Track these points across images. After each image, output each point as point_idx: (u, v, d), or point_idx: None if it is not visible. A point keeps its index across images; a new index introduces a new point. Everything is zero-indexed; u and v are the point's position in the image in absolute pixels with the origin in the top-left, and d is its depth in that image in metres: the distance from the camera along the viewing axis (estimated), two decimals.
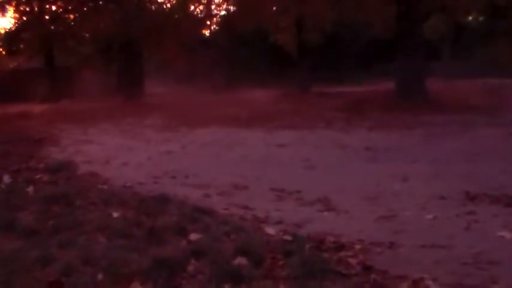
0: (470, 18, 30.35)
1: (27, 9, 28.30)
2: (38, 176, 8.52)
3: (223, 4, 29.60)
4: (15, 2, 28.01)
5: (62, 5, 27.80)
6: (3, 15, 29.19)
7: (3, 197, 7.12)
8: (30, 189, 7.59)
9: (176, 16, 25.71)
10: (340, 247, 4.80)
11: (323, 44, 25.86)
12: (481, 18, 30.78)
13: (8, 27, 29.71)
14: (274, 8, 25.21)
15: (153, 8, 26.29)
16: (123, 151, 11.22)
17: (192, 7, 27.84)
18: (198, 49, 29.09)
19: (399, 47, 18.77)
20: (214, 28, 33.62)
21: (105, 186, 7.68)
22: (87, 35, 29.05)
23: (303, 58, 26.00)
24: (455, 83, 21.25)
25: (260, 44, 29.05)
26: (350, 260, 4.50)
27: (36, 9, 27.93)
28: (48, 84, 28.68)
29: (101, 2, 26.49)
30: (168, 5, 27.27)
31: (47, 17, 27.79)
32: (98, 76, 28.95)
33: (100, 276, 4.23)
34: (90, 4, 26.93)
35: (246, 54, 30.31)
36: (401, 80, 18.32)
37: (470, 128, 12.24)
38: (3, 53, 32.04)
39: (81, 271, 4.31)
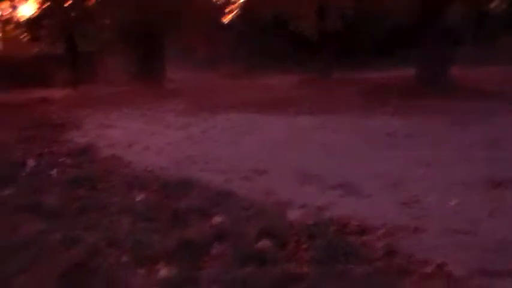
0: (493, 4, 29.97)
1: None
2: (61, 160, 8.60)
3: None
4: None
5: None
6: (25, 1, 29.39)
7: (28, 180, 7.22)
8: (54, 172, 7.68)
9: (197, 1, 25.65)
10: (364, 231, 4.80)
11: (344, 30, 25.68)
12: (504, 5, 30.38)
13: (30, 14, 29.88)
14: None
15: None
16: (144, 135, 11.27)
17: None
18: (219, 35, 29.07)
19: (421, 33, 18.58)
20: (234, 14, 33.50)
21: (128, 170, 7.73)
22: (108, 21, 29.14)
23: (324, 44, 25.84)
24: (477, 70, 21.02)
25: (280, 30, 28.91)
26: (374, 243, 4.50)
27: None
28: (70, 69, 28.84)
29: None
30: None
31: (67, 3, 27.87)
32: (119, 62, 29.04)
33: (125, 258, 4.28)
34: None
35: (266, 40, 30.19)
36: (422, 66, 18.13)
37: (493, 114, 12.09)
38: (26, 39, 32.24)
39: (105, 253, 4.36)
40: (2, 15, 31.59)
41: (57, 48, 30.68)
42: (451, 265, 4.07)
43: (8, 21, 31.69)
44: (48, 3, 28.17)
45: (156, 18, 23.56)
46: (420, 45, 18.69)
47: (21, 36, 32.22)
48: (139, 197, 5.97)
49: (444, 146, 8.73)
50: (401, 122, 11.46)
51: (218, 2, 29.21)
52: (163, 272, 4.01)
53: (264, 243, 4.36)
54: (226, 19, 33.78)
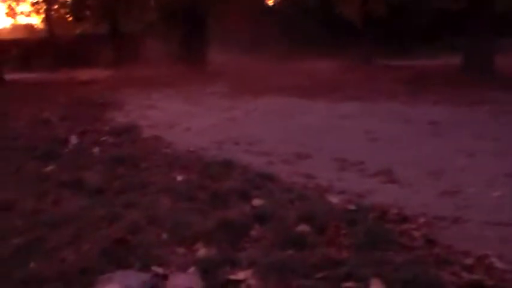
0: None
1: None
2: (103, 138, 8.71)
3: None
4: None
5: None
6: None
7: (71, 157, 7.33)
8: (96, 150, 7.78)
9: None
10: (404, 219, 4.75)
11: (388, 16, 25.36)
12: None
13: None
14: None
15: None
16: (186, 117, 11.34)
17: None
18: (262, 18, 29.00)
19: (468, 21, 18.23)
20: None
21: (169, 150, 7.79)
22: (151, 2, 29.30)
23: (368, 30, 25.57)
24: None
25: (324, 14, 28.70)
26: (413, 232, 4.45)
27: None
28: (113, 50, 29.13)
29: None
30: None
31: None
32: (162, 43, 29.19)
33: (164, 236, 4.32)
34: None
35: (310, 25, 30.02)
36: (469, 55, 17.81)
37: None
38: (70, 19, 32.62)
39: (146, 230, 4.41)
40: None
41: (101, 29, 31.01)
42: (492, 257, 4.00)
43: (53, 1, 32.13)
44: None
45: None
46: (467, 34, 18.36)
47: (66, 17, 32.63)
48: (180, 177, 6.01)
49: (488, 137, 8.57)
50: (444, 110, 11.31)
51: None
52: (202, 251, 4.03)
53: (304, 227, 4.35)
54: (270, 2, 33.72)
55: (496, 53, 17.82)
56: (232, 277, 3.60)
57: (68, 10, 31.41)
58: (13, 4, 36.73)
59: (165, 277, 3.62)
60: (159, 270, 3.71)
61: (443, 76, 16.82)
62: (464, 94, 13.41)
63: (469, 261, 3.96)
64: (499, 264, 3.93)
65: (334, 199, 5.26)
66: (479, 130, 9.09)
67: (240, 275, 3.62)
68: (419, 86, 15.22)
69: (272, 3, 33.67)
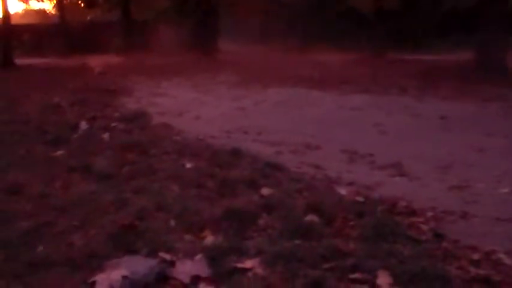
0: None
1: None
2: (113, 124, 8.73)
3: None
4: None
5: None
6: None
7: (81, 142, 7.35)
8: (106, 135, 7.80)
9: None
10: (412, 212, 4.74)
11: (402, 10, 25.27)
12: None
13: None
14: None
15: None
16: (196, 105, 11.35)
17: None
18: (274, 8, 28.94)
19: (480, 17, 18.13)
20: None
21: (179, 138, 7.80)
22: None
23: (380, 23, 25.48)
24: None
25: (337, 6, 28.60)
26: (422, 226, 4.44)
27: None
28: (124, 37, 29.16)
29: None
30: None
31: None
32: (173, 31, 29.20)
33: (172, 223, 4.33)
34: None
35: (322, 16, 29.94)
36: (480, 51, 17.72)
37: None
38: (82, 5, 32.67)
39: (154, 216, 4.42)
40: None
41: (113, 16, 31.05)
42: (500, 253, 3.98)
43: None
44: None
45: None
46: (479, 29, 18.26)
47: (78, 3, 32.67)
48: (189, 164, 6.02)
49: (498, 133, 8.54)
50: (455, 106, 11.27)
51: None
52: (209, 239, 4.04)
53: (312, 217, 4.35)
54: None
55: (508, 50, 17.72)
56: (239, 265, 3.60)
57: None
58: None
59: (172, 263, 3.63)
60: (166, 256, 3.72)
61: (455, 72, 16.75)
62: (475, 90, 13.35)
63: (476, 256, 3.94)
64: (506, 260, 3.91)
65: (342, 190, 5.25)
66: (489, 127, 9.05)
67: (247, 264, 3.63)
68: (430, 80, 15.18)
69: None
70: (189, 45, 26.55)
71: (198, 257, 3.70)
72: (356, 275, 3.47)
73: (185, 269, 3.57)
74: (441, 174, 6.19)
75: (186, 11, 27.45)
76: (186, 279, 3.46)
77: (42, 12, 45.18)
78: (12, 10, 41.22)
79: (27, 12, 47.48)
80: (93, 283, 3.36)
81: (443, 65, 18.84)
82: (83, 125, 8.59)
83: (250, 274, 3.52)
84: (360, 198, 4.94)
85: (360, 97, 12.32)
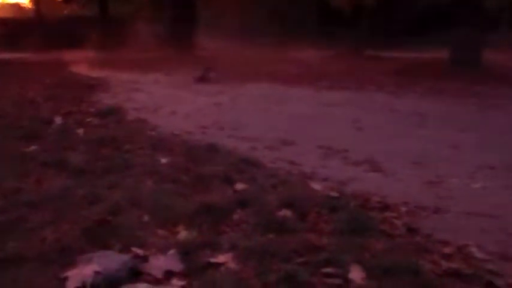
0: None
1: None
2: (88, 119, 8.67)
3: None
4: None
5: None
6: None
7: (55, 137, 7.28)
8: (81, 131, 7.74)
9: None
10: (385, 207, 4.77)
11: (379, 7, 25.37)
12: None
13: None
14: None
15: None
16: (172, 101, 11.31)
17: None
18: (252, 4, 28.93)
19: (457, 15, 18.33)
20: None
21: (154, 133, 7.77)
22: None
23: (358, 20, 25.56)
24: None
25: (313, 3, 28.65)
26: (395, 220, 4.47)
27: None
28: (101, 32, 28.96)
29: None
30: None
31: None
32: (150, 26, 29.08)
33: (146, 218, 4.31)
34: None
35: (299, 13, 29.98)
36: (456, 48, 17.90)
37: None
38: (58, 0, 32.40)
39: (127, 211, 4.39)
40: None
41: (90, 11, 30.82)
42: (472, 247, 4.03)
43: None
44: None
45: None
46: (455, 27, 18.44)
47: None
48: (164, 160, 5.99)
49: (473, 130, 8.64)
50: (431, 103, 11.38)
51: None
52: (183, 234, 4.03)
53: (285, 212, 4.36)
54: None
55: (484, 48, 17.91)
56: (212, 260, 3.60)
57: None
58: None
59: (145, 259, 3.62)
60: (140, 251, 3.70)
61: (432, 69, 16.88)
62: (452, 87, 13.49)
63: (448, 250, 3.98)
64: (477, 253, 3.96)
65: (317, 186, 5.27)
66: (463, 123, 9.15)
67: (220, 258, 3.62)
68: (407, 77, 15.30)
69: None
70: (167, 40, 26.44)
71: (171, 252, 3.69)
72: (329, 269, 3.48)
73: (158, 264, 3.56)
74: (415, 169, 6.24)
75: (163, 6, 27.33)
76: (159, 275, 3.45)
77: (17, 6, 44.70)
78: None
79: (3, 6, 46.96)
80: (65, 278, 3.33)
81: (420, 62, 18.96)
82: (58, 120, 8.52)
83: (223, 269, 3.52)
84: (333, 194, 4.95)
85: (336, 93, 12.38)
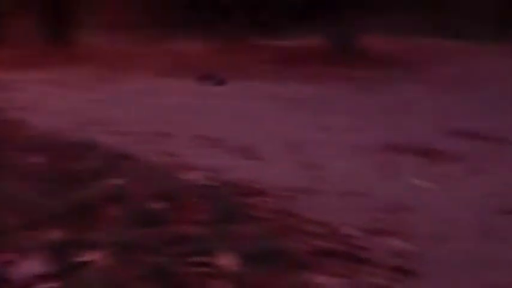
0: None
1: None
2: None
3: None
4: None
5: None
6: None
7: None
8: None
9: None
10: (260, 193, 4.85)
11: None
12: None
13: None
14: None
15: None
16: (49, 99, 10.97)
17: None
18: None
19: (334, 2, 18.88)
20: None
21: (28, 132, 7.52)
22: None
23: (238, 10, 25.70)
24: (389, 40, 21.47)
25: None
26: (268, 205, 4.56)
27: None
28: None
29: None
30: None
31: None
32: (28, 23, 28.03)
33: (14, 220, 4.17)
34: None
35: (180, 5, 29.79)
36: (334, 35, 18.44)
37: (398, 83, 12.49)
38: None
39: None
40: None
41: None
42: (344, 226, 4.18)
43: None
44: None
45: None
46: (334, 13, 18.97)
47: None
48: (35, 159, 5.81)
49: (347, 112, 8.95)
50: (309, 88, 11.65)
51: None
52: (54, 233, 3.92)
53: (159, 204, 4.33)
54: None
55: (363, 33, 18.53)
56: (83, 259, 3.53)
57: None
58: None
59: (10, 263, 3.50)
60: (6, 255, 3.58)
61: (312, 55, 17.27)
62: (330, 72, 13.87)
63: (322, 230, 4.11)
64: (350, 231, 4.11)
65: (191, 176, 5.28)
66: (339, 106, 9.46)
67: (91, 256, 3.56)
68: (287, 65, 15.56)
69: None
70: (45, 37, 25.57)
71: (41, 254, 3.59)
72: (200, 258, 3.50)
73: (25, 267, 3.46)
74: (290, 154, 6.38)
75: (39, 2, 26.41)
76: (27, 278, 3.35)
77: None
78: None
79: None
80: None
81: (301, 49, 19.31)
82: None
83: (94, 266, 3.46)
84: (208, 183, 4.99)
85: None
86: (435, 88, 12.17)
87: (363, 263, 3.62)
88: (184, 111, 9.32)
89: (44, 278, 3.38)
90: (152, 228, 3.92)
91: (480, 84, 13.17)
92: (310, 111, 9.08)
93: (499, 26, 23.99)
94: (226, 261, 3.49)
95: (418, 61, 16.73)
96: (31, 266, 3.48)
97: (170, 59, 17.54)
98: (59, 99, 10.92)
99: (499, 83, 13.39)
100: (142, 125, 8.03)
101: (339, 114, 8.74)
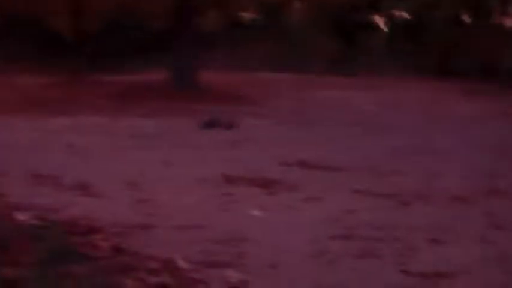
0: (246, 14, 31.55)
1: None
2: None
3: None
4: None
5: None
6: None
7: None
8: None
9: None
10: (92, 231, 4.70)
11: (103, 31, 25.29)
12: (256, 15, 32.13)
13: None
14: None
15: None
16: None
17: None
18: None
19: (175, 38, 19.11)
20: None
21: None
22: None
23: (81, 45, 25.16)
24: (228, 75, 21.96)
25: (32, 29, 27.59)
26: (101, 243, 4.43)
27: None
28: None
29: None
30: None
31: None
32: None
33: None
34: None
35: (18, 38, 28.67)
36: (176, 70, 18.64)
37: (240, 117, 12.74)
38: None
39: None
40: None
41: None
42: (177, 260, 4.14)
43: None
44: None
45: None
46: (175, 48, 19.18)
47: None
48: None
49: (188, 146, 8.98)
50: (150, 123, 11.60)
51: None
52: None
53: None
54: None
55: (202, 68, 18.82)
56: None
57: None
58: None
59: None
60: None
61: (152, 90, 17.28)
62: (170, 107, 13.92)
63: (154, 265, 4.04)
64: (183, 265, 4.08)
65: (21, 216, 5.01)
66: (180, 141, 9.48)
67: None
68: (128, 100, 15.42)
69: None
70: None
71: None
72: None
73: None
74: (128, 190, 6.28)
75: None
76: None
77: None
78: None
79: None
80: None
81: (142, 84, 19.22)
82: None
83: None
84: (38, 222, 4.76)
85: (53, 120, 12.02)
86: (273, 120, 12.59)
87: None
88: (20, 147, 8.88)
89: None
90: None
91: (314, 115, 13.84)
92: (151, 146, 9.01)
93: (330, 62, 25.55)
94: None
95: (258, 95, 17.25)
96: None
97: (4, 93, 16.74)
98: None
99: (333, 113, 14.13)
100: None
101: (181, 148, 8.75)
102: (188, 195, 6.08)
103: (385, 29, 29.66)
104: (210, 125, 11.16)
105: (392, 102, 17.09)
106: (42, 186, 6.52)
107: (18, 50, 27.33)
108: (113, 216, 5.19)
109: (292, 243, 4.67)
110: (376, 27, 29.90)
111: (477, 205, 6.16)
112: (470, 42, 26.37)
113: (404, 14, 28.95)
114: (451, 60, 26.87)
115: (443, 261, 4.32)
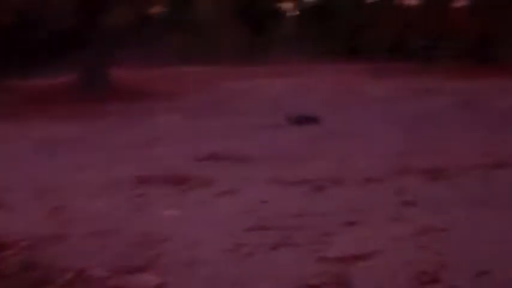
0: (155, 9, 31.19)
1: None
2: None
3: None
4: None
5: None
6: None
7: None
8: None
9: None
10: (2, 246, 4.54)
11: (4, 35, 24.37)
12: (165, 10, 31.81)
13: None
14: None
15: None
16: None
17: None
18: None
19: (81, 37, 18.64)
20: None
21: None
22: None
23: None
24: (139, 71, 21.68)
25: None
26: (11, 258, 4.28)
27: None
28: None
29: None
30: None
31: None
32: None
33: None
34: None
35: None
36: (84, 70, 18.20)
37: (152, 114, 12.62)
38: None
39: None
40: None
41: None
42: (92, 268, 4.05)
43: None
44: None
45: None
46: (82, 48, 18.72)
47: None
48: None
49: (100, 149, 8.80)
50: (60, 127, 11.28)
51: None
52: None
53: None
54: None
55: (111, 66, 18.46)
56: None
57: None
58: None
59: None
60: None
61: (61, 93, 16.83)
62: (81, 109, 13.62)
63: (68, 276, 3.94)
64: (99, 273, 3.99)
65: None
66: (92, 144, 9.30)
67: None
68: (36, 104, 14.97)
69: None
70: None
71: None
72: None
73: None
74: (39, 200, 6.06)
75: None
76: None
77: None
78: None
79: None
80: None
81: (50, 87, 18.70)
82: None
83: None
84: None
85: None
86: (186, 114, 12.49)
87: None
88: None
89: None
90: None
91: (226, 107, 13.86)
92: (62, 151, 8.73)
93: (241, 52, 25.61)
94: None
95: (171, 89, 17.12)
96: None
97: None
98: None
99: (245, 104, 14.18)
100: None
101: (92, 151, 8.54)
102: (101, 199, 5.95)
103: (296, 13, 30.00)
104: (297, 121, 10.97)
105: (303, 88, 17.33)
106: None
107: None
108: (24, 228, 5.01)
109: (208, 239, 4.64)
110: (284, 13, 30.22)
111: (390, 184, 6.31)
112: (376, 24, 27.02)
113: None
114: (359, 42, 27.45)
115: (358, 243, 4.40)
